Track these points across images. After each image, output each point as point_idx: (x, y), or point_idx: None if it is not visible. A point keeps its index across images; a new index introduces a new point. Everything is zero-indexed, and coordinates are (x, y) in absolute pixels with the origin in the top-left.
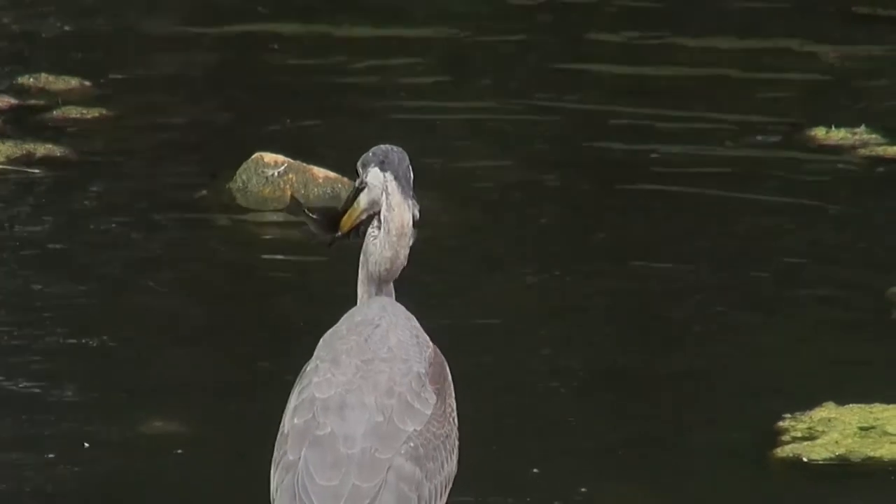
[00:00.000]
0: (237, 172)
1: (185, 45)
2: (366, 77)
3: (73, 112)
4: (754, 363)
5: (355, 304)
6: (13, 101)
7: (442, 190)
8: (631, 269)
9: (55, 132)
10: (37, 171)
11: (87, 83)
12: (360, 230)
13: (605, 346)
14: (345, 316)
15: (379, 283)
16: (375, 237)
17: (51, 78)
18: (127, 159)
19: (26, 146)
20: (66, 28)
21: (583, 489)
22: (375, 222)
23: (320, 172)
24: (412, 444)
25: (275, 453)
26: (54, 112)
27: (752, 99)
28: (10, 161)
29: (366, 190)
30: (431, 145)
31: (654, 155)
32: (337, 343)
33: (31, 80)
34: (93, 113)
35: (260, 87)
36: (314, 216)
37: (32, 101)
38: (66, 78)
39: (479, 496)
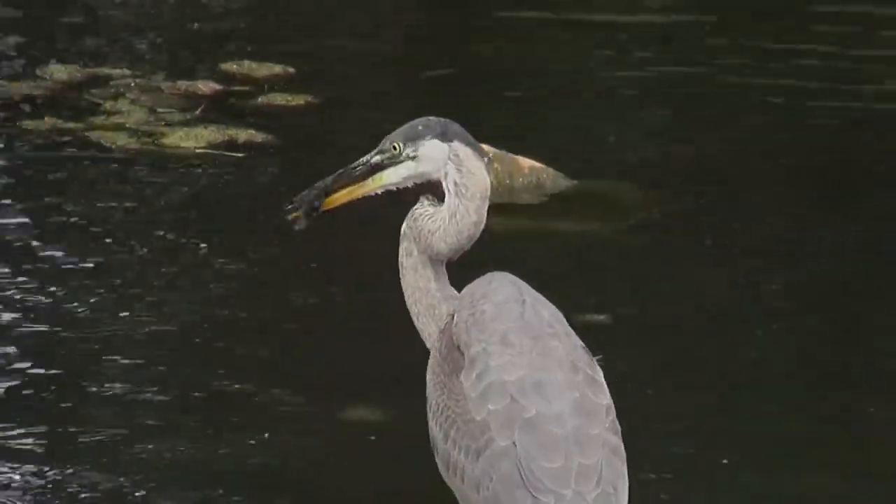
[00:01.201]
0: None
1: (389, 33)
2: (569, 67)
3: (279, 99)
4: None
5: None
6: (217, 86)
7: (643, 178)
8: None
9: (259, 118)
10: (239, 154)
11: (291, 70)
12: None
13: (805, 337)
14: (467, 296)
15: (447, 259)
16: (430, 215)
17: (254, 65)
18: (329, 146)
19: (229, 131)
20: (270, 15)
21: (770, 481)
22: (425, 200)
23: (525, 162)
24: (611, 418)
25: (464, 441)
26: (259, 98)
27: None
28: (211, 146)
29: (410, 163)
30: (633, 132)
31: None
32: (493, 324)
33: (235, 66)
34: (298, 100)
35: (464, 75)
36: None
37: (237, 87)
38: (270, 64)
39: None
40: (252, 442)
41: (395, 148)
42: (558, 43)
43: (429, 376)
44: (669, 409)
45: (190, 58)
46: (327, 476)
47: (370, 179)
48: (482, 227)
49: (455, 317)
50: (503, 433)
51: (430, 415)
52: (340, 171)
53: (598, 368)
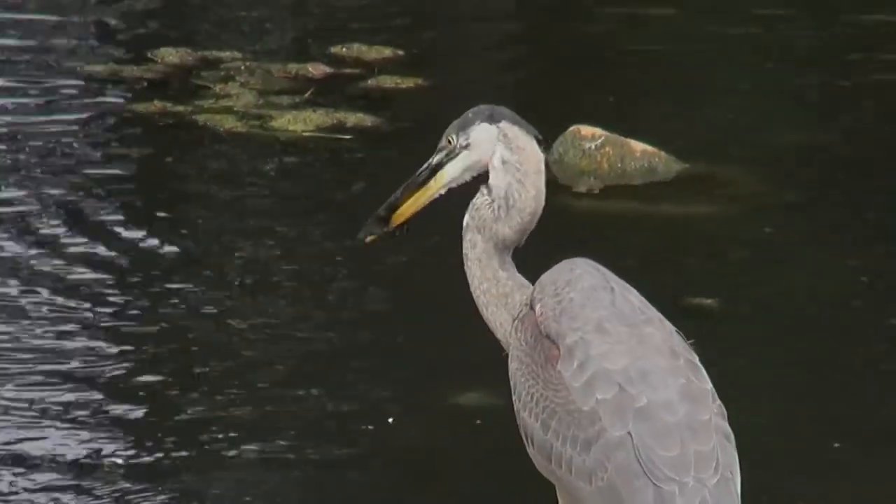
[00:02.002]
0: (554, 145)
1: (500, 15)
2: (681, 51)
3: (388, 81)
4: None
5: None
6: (327, 69)
7: (756, 162)
8: None
9: (368, 101)
10: (347, 136)
11: (400, 52)
12: (407, 226)
13: None
14: (549, 283)
15: (513, 244)
16: (490, 202)
17: (364, 48)
18: (438, 129)
19: (338, 115)
20: None
21: (883, 466)
22: (484, 189)
23: (637, 146)
24: (717, 402)
25: (569, 432)
26: (368, 81)
27: None
28: (320, 129)
29: (464, 153)
30: (747, 117)
31: None
32: (584, 312)
33: (344, 49)
34: (407, 83)
35: (575, 58)
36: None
37: (347, 70)
38: (379, 48)
39: (775, 470)
40: (370, 427)
41: (449, 141)
42: (671, 26)
43: (514, 366)
44: (777, 393)
45: (300, 41)
46: (437, 460)
47: (432, 181)
48: (543, 201)
49: (537, 305)
50: (615, 423)
51: (519, 405)
52: (407, 182)
53: (694, 353)
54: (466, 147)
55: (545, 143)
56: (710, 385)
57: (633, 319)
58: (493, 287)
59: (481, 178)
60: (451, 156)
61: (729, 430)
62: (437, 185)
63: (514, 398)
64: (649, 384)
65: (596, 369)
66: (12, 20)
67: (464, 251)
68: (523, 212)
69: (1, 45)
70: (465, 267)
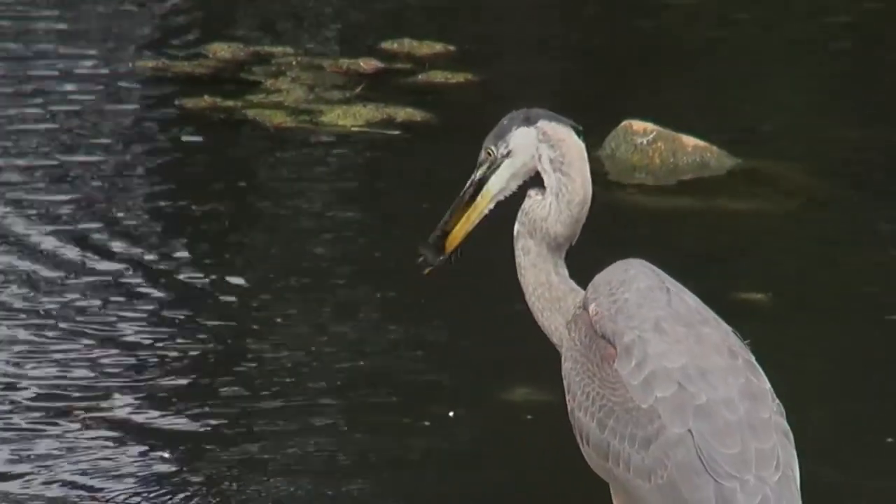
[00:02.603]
0: (605, 140)
1: (551, 11)
2: (734, 45)
3: (438, 77)
4: None
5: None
6: (378, 64)
7: (809, 158)
8: None
9: (418, 96)
10: (396, 131)
11: (451, 48)
12: (458, 251)
13: None
14: (603, 284)
15: (566, 242)
16: (538, 203)
17: (415, 43)
18: (488, 124)
19: (387, 110)
20: None
21: None
22: (531, 192)
23: (689, 141)
24: (776, 402)
25: (627, 430)
26: (419, 76)
27: None
28: (369, 124)
29: (507, 162)
30: (799, 113)
31: None
32: (641, 311)
33: (395, 44)
34: (458, 78)
35: (627, 52)
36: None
37: (398, 65)
38: (430, 42)
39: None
40: (426, 423)
41: (489, 153)
42: (722, 21)
43: (568, 366)
44: (829, 389)
45: (352, 36)
46: (489, 455)
47: (479, 197)
48: (590, 189)
49: (591, 306)
50: (675, 421)
51: (574, 405)
52: (453, 203)
53: (751, 353)
54: (508, 155)
55: (582, 131)
56: (768, 385)
57: (690, 319)
58: (547, 292)
59: (525, 187)
60: (493, 167)
61: (788, 428)
62: (486, 200)
63: (567, 397)
64: (709, 383)
65: (654, 367)
66: (66, 16)
67: (517, 261)
68: (572, 203)
69: (52, 42)
70: (519, 276)
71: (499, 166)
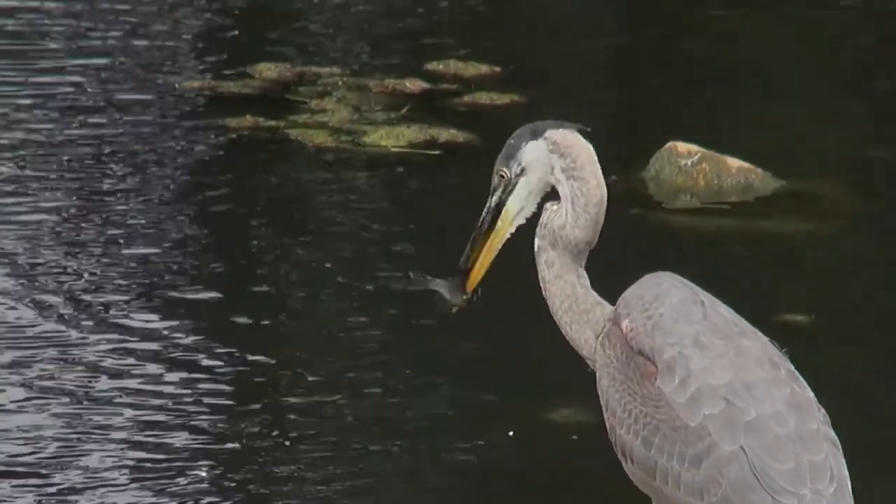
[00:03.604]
0: (650, 161)
1: (598, 32)
2: (779, 68)
3: (484, 98)
4: None
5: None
6: (425, 85)
7: (855, 182)
8: None
9: (462, 117)
10: (436, 152)
11: (497, 69)
12: (478, 291)
13: None
14: (635, 298)
15: (587, 247)
16: (555, 212)
17: (460, 64)
18: None
19: (431, 131)
20: (476, 14)
21: None
22: (546, 205)
23: (734, 162)
24: (822, 411)
25: (675, 448)
26: (464, 97)
27: None
28: (411, 145)
29: (522, 181)
30: (845, 136)
31: None
32: (678, 326)
33: (441, 65)
34: (503, 99)
35: (673, 74)
36: (444, 280)
37: (444, 86)
38: (476, 63)
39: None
40: (472, 445)
41: (502, 176)
42: (765, 42)
43: (606, 383)
44: (874, 411)
45: (399, 57)
46: (532, 475)
47: (499, 222)
48: (605, 189)
49: (624, 321)
50: (726, 438)
51: (614, 422)
52: (472, 235)
53: (790, 362)
54: (522, 173)
55: (588, 132)
56: (811, 394)
57: (728, 332)
58: (574, 304)
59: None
60: (508, 189)
61: (835, 437)
62: (506, 224)
63: (606, 415)
64: (755, 397)
65: (699, 384)
66: (119, 30)
67: (541, 277)
68: (589, 205)
69: (99, 61)
70: (544, 291)
71: (514, 186)
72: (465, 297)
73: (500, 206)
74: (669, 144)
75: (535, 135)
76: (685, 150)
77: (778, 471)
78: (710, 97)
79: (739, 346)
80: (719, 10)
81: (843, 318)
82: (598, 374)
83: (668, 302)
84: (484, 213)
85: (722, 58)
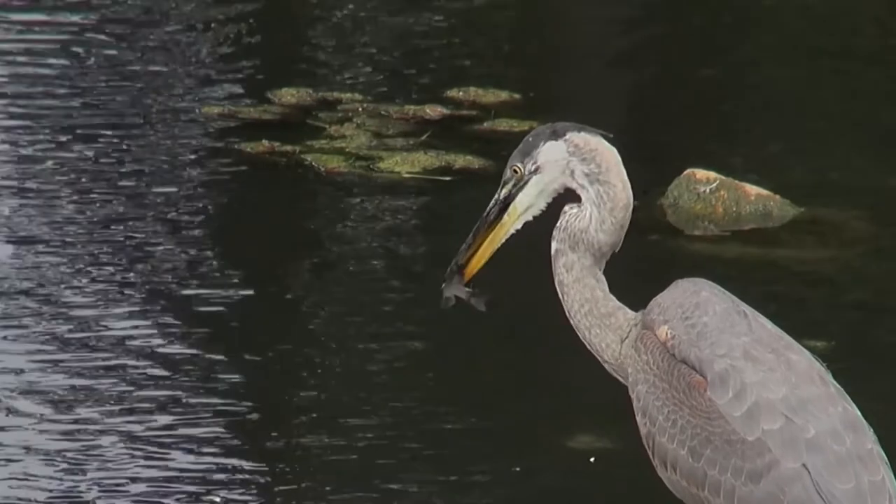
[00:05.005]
0: (668, 188)
1: (618, 59)
2: (797, 95)
3: (503, 125)
4: None
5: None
6: (444, 111)
7: (873, 209)
8: None
9: (482, 144)
10: (447, 178)
11: (517, 96)
12: (473, 286)
13: None
14: (673, 306)
15: (610, 251)
16: (576, 215)
17: (480, 91)
18: None
19: (447, 157)
20: (495, 42)
21: None
22: (566, 208)
23: (752, 189)
24: (872, 430)
25: (729, 461)
26: (484, 124)
27: None
28: (426, 171)
29: (535, 178)
30: (863, 163)
31: None
32: (724, 338)
33: (461, 92)
34: (522, 126)
35: (690, 101)
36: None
37: (464, 112)
38: (496, 91)
39: None
40: (492, 474)
41: (516, 171)
42: (784, 69)
43: (644, 388)
44: (893, 440)
45: (419, 84)
46: (551, 500)
47: (505, 216)
48: (631, 192)
49: (663, 327)
50: (787, 455)
51: (654, 429)
52: (475, 226)
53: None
54: (536, 171)
55: (612, 139)
56: (859, 411)
57: (775, 345)
58: (595, 308)
59: (554, 208)
60: (520, 185)
61: (885, 457)
62: (513, 219)
63: (642, 420)
64: (811, 414)
65: (756, 399)
66: (134, 60)
67: (558, 280)
68: (616, 209)
69: (122, 84)
70: (562, 296)
71: (526, 183)
72: (466, 289)
73: (508, 200)
74: (688, 171)
75: (556, 136)
76: (703, 177)
77: (841, 490)
78: (729, 124)
79: (789, 360)
80: (732, 37)
81: (862, 346)
82: (631, 379)
83: (711, 311)
84: (491, 205)
85: (740, 86)
